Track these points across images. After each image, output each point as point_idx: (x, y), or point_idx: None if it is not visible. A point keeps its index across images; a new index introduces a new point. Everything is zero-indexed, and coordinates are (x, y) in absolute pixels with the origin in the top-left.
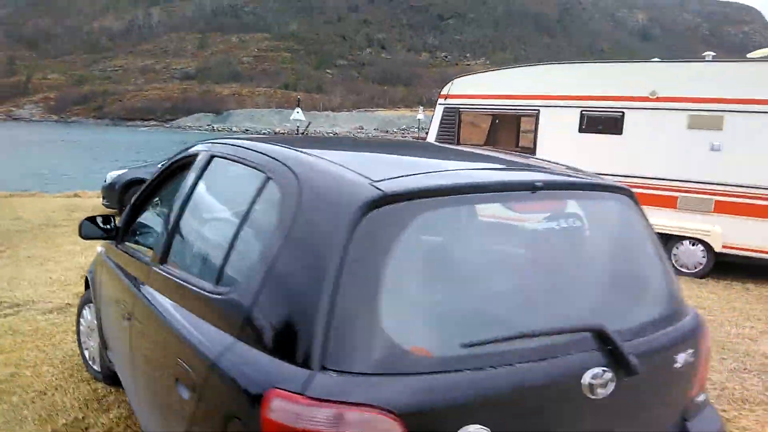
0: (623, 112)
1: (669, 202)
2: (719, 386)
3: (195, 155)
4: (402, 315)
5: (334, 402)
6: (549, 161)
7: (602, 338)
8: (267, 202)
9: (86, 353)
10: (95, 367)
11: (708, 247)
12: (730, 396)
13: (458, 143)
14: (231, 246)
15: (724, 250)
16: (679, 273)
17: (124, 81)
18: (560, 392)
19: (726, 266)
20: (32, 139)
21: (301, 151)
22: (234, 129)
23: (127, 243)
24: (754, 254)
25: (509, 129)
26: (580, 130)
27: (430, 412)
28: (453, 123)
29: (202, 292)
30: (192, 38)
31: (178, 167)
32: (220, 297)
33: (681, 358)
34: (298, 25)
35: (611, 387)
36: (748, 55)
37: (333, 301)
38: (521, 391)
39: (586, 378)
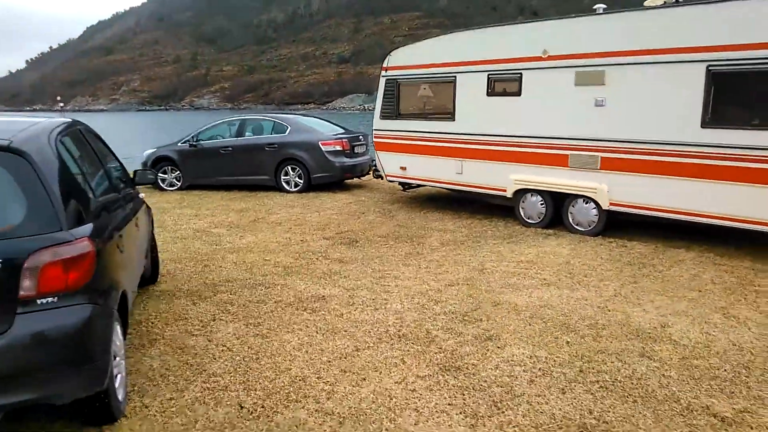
0: (521, 74)
1: (562, 161)
2: (383, 324)
3: None
4: None
5: None
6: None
7: None
8: None
9: None
10: None
11: (598, 204)
12: (383, 332)
13: (399, 112)
14: None
15: (612, 208)
16: (575, 231)
17: (288, 68)
18: None
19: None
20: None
21: None
22: None
23: None
24: (640, 211)
25: (437, 96)
26: (488, 94)
27: None
28: (393, 93)
29: None
30: (348, 23)
31: None
32: None
33: None
34: (449, 1)
35: None
36: (645, 3)
37: None
38: None
39: None
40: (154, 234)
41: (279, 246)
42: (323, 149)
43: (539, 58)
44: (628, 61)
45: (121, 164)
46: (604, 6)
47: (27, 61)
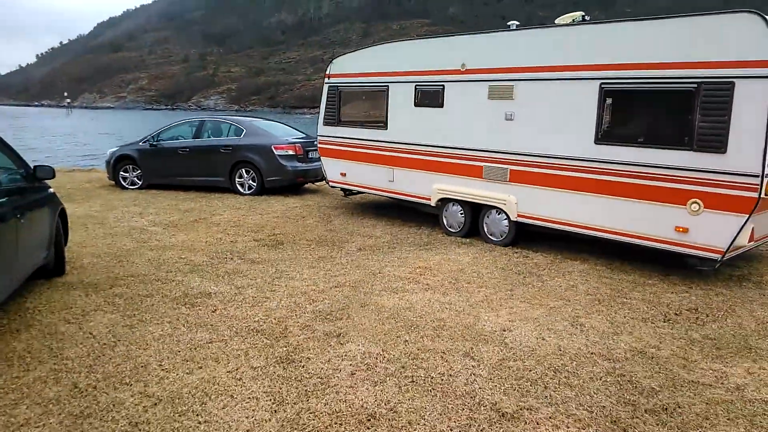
0: (443, 86)
1: (477, 172)
2: (249, 320)
3: None
4: None
5: None
6: None
7: None
8: None
9: None
10: None
11: (508, 216)
12: (244, 327)
13: (339, 119)
14: None
15: (520, 219)
16: (489, 241)
17: (296, 72)
18: None
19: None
20: None
21: None
22: None
23: None
24: (543, 223)
25: (372, 105)
26: (415, 104)
27: None
28: (335, 100)
29: None
30: (357, 28)
31: None
32: None
33: None
34: (457, 9)
35: None
36: (556, 21)
37: None
38: None
39: None
40: (62, 228)
41: (204, 245)
42: (276, 153)
43: (458, 72)
44: (533, 76)
45: (20, 161)
46: (518, 22)
47: (37, 56)
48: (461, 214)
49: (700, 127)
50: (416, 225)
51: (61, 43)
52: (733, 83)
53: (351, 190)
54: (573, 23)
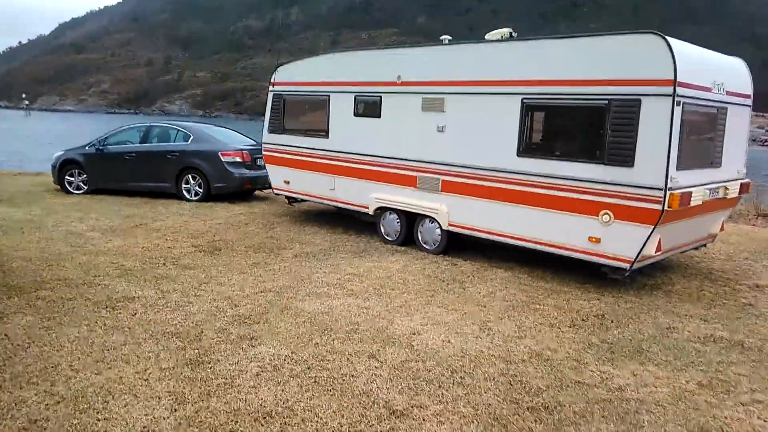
0: (381, 97)
1: (412, 182)
2: (167, 323)
3: None
4: None
5: None
6: None
7: None
8: None
9: None
10: None
11: (440, 224)
12: (161, 330)
13: (284, 127)
14: None
15: (451, 228)
16: (423, 249)
17: (263, 78)
18: None
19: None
20: None
21: None
22: None
23: None
24: (471, 232)
25: (314, 114)
26: (355, 114)
27: None
28: (279, 108)
29: None
30: (325, 36)
31: None
32: None
33: None
34: (426, 19)
35: None
36: (486, 36)
37: None
38: None
39: None
40: None
41: (140, 250)
42: (223, 160)
43: (394, 83)
44: (462, 90)
45: None
46: (450, 37)
47: None
48: (397, 222)
49: (610, 141)
50: (356, 233)
51: (20, 43)
52: (639, 100)
53: (295, 198)
54: (500, 40)
